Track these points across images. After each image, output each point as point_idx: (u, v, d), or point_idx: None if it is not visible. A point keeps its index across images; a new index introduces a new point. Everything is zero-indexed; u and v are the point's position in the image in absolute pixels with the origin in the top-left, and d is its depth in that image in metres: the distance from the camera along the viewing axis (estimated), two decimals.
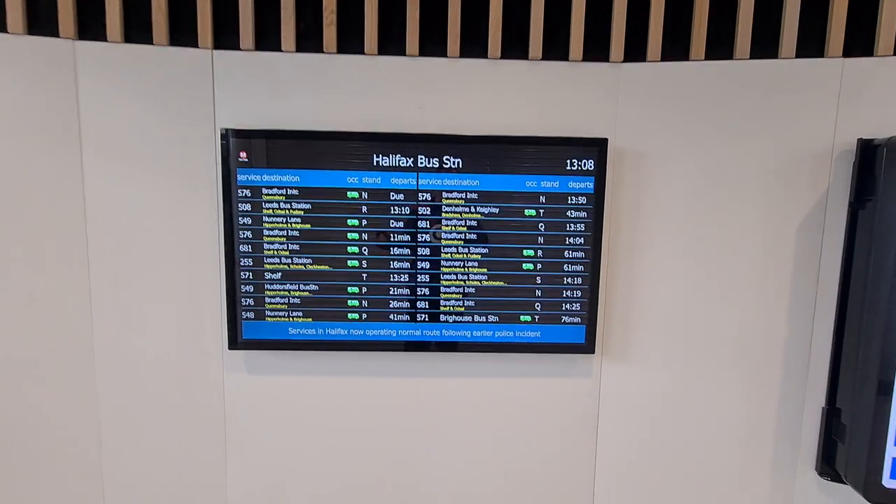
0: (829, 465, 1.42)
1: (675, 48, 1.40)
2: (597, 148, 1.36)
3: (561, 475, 1.54)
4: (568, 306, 1.42)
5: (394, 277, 1.40)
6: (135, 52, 1.35)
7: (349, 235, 1.38)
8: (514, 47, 1.39)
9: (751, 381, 1.46)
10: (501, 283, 1.41)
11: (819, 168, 1.37)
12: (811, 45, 1.37)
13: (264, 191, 1.36)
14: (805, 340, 1.43)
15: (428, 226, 1.39)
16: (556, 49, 1.40)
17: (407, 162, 1.36)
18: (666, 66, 1.38)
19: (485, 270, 1.41)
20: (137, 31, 1.36)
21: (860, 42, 1.36)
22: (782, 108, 1.37)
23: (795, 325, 1.43)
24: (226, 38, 1.38)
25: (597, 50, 1.40)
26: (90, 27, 1.35)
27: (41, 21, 1.34)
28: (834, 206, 1.38)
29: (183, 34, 1.37)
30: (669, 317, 1.46)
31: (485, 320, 1.43)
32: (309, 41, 1.38)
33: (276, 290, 1.40)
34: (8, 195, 1.35)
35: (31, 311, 1.39)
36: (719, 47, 1.39)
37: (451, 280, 1.41)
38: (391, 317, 1.42)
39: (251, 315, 1.40)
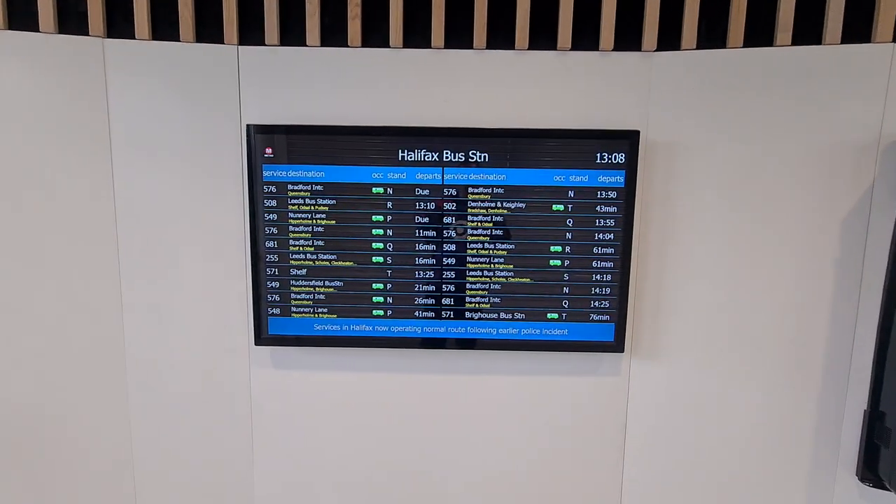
0: (871, 471, 1.37)
1: (712, 35, 1.34)
2: (628, 140, 1.32)
3: (588, 475, 1.51)
4: (596, 304, 1.39)
5: (419, 274, 1.39)
6: (162, 49, 1.36)
7: (374, 231, 1.37)
8: (543, 38, 1.36)
9: (787, 382, 1.41)
10: (528, 280, 1.39)
11: (864, 161, 1.31)
12: (858, 29, 1.30)
13: (289, 186, 1.36)
14: (847, 341, 1.37)
15: (453, 221, 1.37)
16: (585, 39, 1.36)
17: (432, 157, 1.34)
18: (701, 55, 1.33)
19: (511, 267, 1.38)
20: (164, 28, 1.37)
21: None
22: (826, 97, 1.30)
23: (837, 325, 1.37)
24: (251, 33, 1.37)
25: (628, 39, 1.35)
26: (119, 25, 1.36)
27: (71, 20, 1.35)
28: (879, 201, 1.31)
29: (209, 30, 1.37)
30: (702, 315, 1.41)
31: (511, 317, 1.40)
32: (333, 35, 1.37)
33: (301, 286, 1.40)
34: (39, 192, 1.37)
35: (62, 306, 1.42)
36: (759, 34, 1.33)
37: (476, 276, 1.39)
38: (416, 314, 1.41)
39: (277, 311, 1.41)
